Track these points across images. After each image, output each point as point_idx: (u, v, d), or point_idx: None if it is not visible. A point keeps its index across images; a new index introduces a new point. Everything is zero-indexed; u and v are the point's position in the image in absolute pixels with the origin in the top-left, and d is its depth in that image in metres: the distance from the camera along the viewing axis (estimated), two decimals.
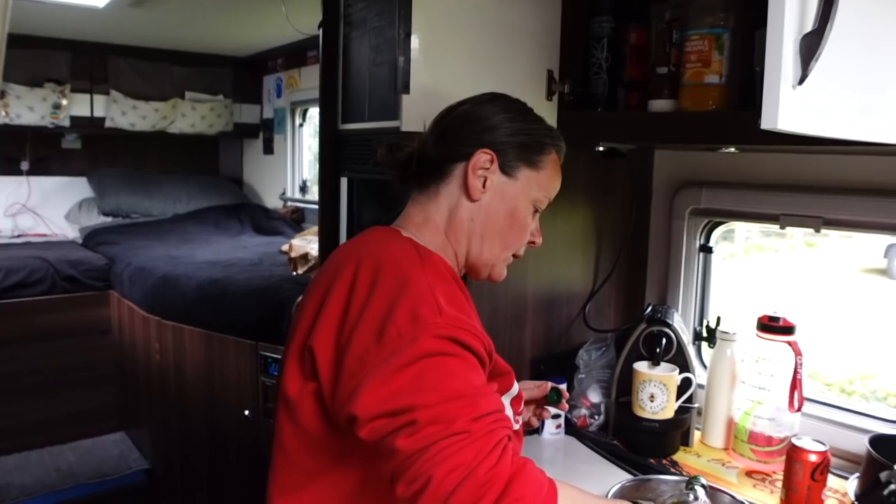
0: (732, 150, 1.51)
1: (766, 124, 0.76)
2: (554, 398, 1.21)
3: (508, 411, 1.00)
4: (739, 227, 1.96)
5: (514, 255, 1.11)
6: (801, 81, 0.75)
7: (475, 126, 1.05)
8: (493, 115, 1.06)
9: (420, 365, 0.80)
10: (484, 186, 1.04)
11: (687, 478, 1.17)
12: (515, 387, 1.08)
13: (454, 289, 0.93)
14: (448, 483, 0.73)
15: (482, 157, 1.03)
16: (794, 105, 0.75)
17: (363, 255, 0.94)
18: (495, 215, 1.05)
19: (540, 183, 1.08)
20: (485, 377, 0.87)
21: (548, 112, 1.48)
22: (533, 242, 1.13)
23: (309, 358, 0.90)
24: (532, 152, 1.06)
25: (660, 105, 1.35)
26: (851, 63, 0.83)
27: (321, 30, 1.61)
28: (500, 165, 1.04)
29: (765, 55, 0.75)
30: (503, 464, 0.76)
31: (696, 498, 1.11)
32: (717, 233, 1.76)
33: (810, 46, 0.75)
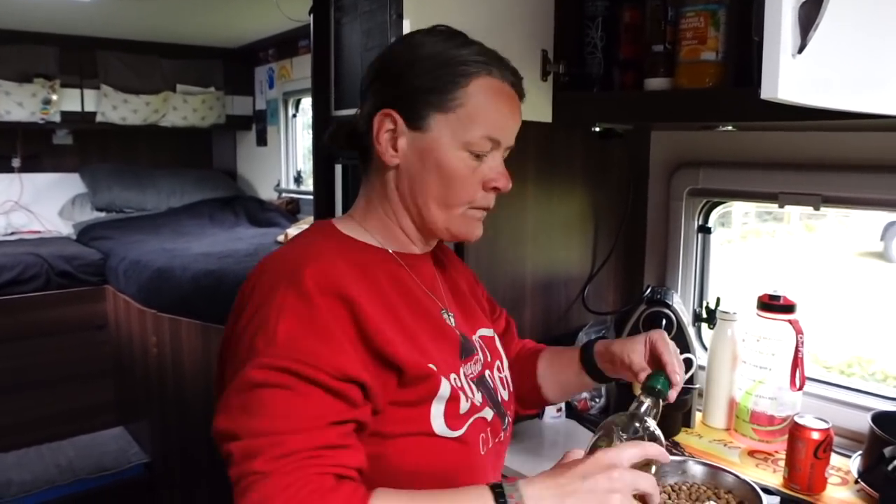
0: (730, 128, 1.50)
1: (766, 94, 0.74)
2: (658, 387, 0.97)
3: (438, 421, 0.90)
4: (736, 211, 1.95)
5: (479, 209, 0.99)
6: (800, 50, 0.74)
7: (381, 82, 0.97)
8: (401, 61, 0.96)
9: (245, 396, 0.79)
10: (396, 150, 0.95)
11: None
12: (445, 386, 0.92)
13: (316, 308, 0.83)
14: None
15: (380, 120, 0.94)
16: (793, 74, 0.74)
17: (260, 268, 0.92)
18: (418, 176, 0.95)
19: (464, 123, 0.93)
20: (335, 404, 0.80)
21: (543, 93, 1.47)
22: (496, 188, 0.98)
23: None
24: (444, 92, 0.92)
25: (656, 83, 1.33)
26: (852, 33, 0.81)
27: (312, 16, 1.59)
28: (406, 120, 0.94)
29: (763, 24, 0.74)
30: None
31: (643, 411, 0.94)
32: (716, 214, 1.75)
33: (809, 14, 0.73)
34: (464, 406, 0.94)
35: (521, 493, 0.76)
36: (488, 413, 0.99)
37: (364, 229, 1.00)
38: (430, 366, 0.91)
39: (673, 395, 1.00)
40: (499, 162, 0.98)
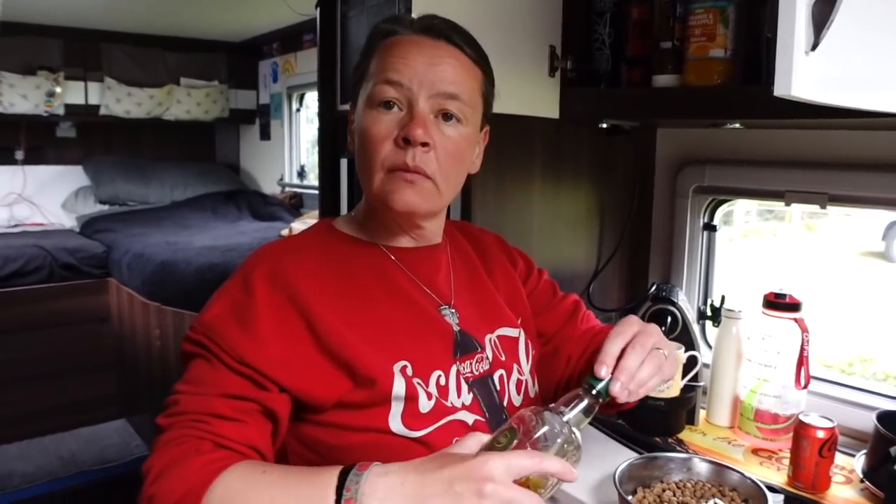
0: (737, 125, 1.49)
1: (778, 91, 0.74)
2: (595, 385, 0.84)
3: (395, 421, 0.88)
4: (738, 210, 1.94)
5: (397, 169, 0.91)
6: (813, 47, 0.73)
7: None
8: None
9: (183, 365, 0.89)
10: (352, 136, 1.00)
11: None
12: (399, 385, 0.88)
13: (253, 298, 0.87)
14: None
15: (348, 115, 1.02)
16: (806, 72, 0.74)
17: (243, 263, 0.96)
18: (356, 151, 0.98)
19: (368, 83, 0.95)
20: (237, 381, 0.83)
21: (550, 89, 1.46)
22: (406, 140, 0.89)
23: None
24: (361, 68, 0.98)
25: (664, 80, 1.33)
26: (864, 30, 0.81)
27: (318, 10, 1.59)
28: (351, 108, 1.00)
29: (777, 21, 0.74)
30: (161, 458, 0.77)
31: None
32: (721, 211, 1.74)
33: (823, 12, 0.73)
34: (424, 406, 0.90)
35: (359, 489, 0.70)
36: (468, 417, 0.94)
37: (359, 226, 1.02)
38: (396, 365, 0.89)
39: (621, 395, 0.84)
40: (419, 109, 0.91)
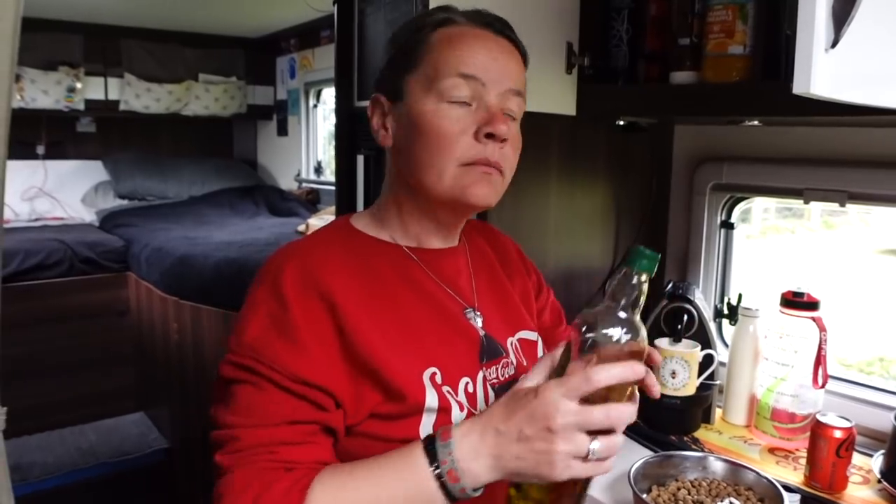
0: (755, 122, 1.48)
1: (798, 89, 0.73)
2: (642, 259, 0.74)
3: (426, 431, 0.84)
4: (756, 208, 1.93)
5: (477, 164, 0.89)
6: (834, 45, 0.73)
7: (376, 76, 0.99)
8: (384, 50, 0.98)
9: (221, 389, 0.84)
10: (388, 130, 0.95)
11: None
12: (431, 398, 0.86)
13: (290, 309, 0.83)
14: None
15: (371, 107, 0.97)
16: (826, 69, 0.73)
17: (267, 260, 0.91)
18: (406, 147, 0.92)
19: (432, 72, 0.89)
20: (296, 404, 0.80)
21: (567, 86, 1.46)
22: (492, 135, 0.88)
23: None
24: (408, 53, 0.92)
25: (682, 77, 1.32)
26: (884, 27, 0.80)
27: (336, 6, 1.60)
28: (389, 99, 0.94)
29: (796, 17, 0.73)
30: (240, 498, 0.75)
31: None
32: (738, 209, 1.73)
33: (844, 9, 0.73)
34: (457, 418, 0.88)
35: (453, 457, 0.72)
36: None
37: (380, 225, 0.98)
38: (426, 373, 0.87)
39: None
40: (492, 104, 0.90)
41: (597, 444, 0.69)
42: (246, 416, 0.80)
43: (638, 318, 0.74)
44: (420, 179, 0.91)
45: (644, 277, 0.74)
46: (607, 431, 0.71)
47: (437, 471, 0.72)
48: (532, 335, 1.07)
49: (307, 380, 0.80)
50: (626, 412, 0.71)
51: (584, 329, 0.73)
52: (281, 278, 0.85)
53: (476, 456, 0.72)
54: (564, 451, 0.69)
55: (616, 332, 0.73)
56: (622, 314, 0.73)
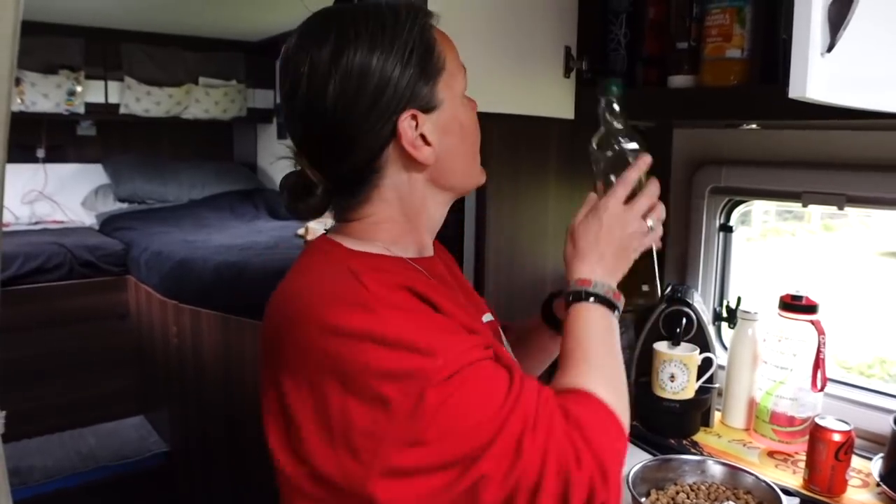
0: (754, 126, 1.48)
1: (794, 93, 0.73)
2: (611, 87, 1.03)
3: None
4: (756, 210, 1.93)
5: None
6: (829, 49, 0.73)
7: (361, 105, 0.82)
8: (374, 68, 0.82)
9: (432, 419, 0.76)
10: (428, 143, 0.86)
11: None
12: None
13: (397, 305, 0.79)
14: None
15: (403, 129, 0.84)
16: (822, 73, 0.73)
17: (283, 309, 0.85)
18: (448, 150, 0.89)
19: (453, 72, 0.88)
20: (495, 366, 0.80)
21: (565, 90, 1.46)
22: None
23: None
24: (428, 64, 0.85)
25: (680, 81, 1.32)
26: (880, 31, 0.80)
27: None
28: (423, 110, 0.85)
29: (792, 22, 0.73)
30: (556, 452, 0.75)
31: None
32: (737, 212, 1.73)
33: (839, 13, 0.73)
34: None
35: (607, 287, 0.93)
36: None
37: (369, 242, 0.89)
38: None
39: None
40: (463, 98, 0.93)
41: (651, 221, 0.98)
42: (493, 398, 0.75)
43: (628, 126, 1.03)
44: (463, 180, 0.96)
45: (615, 98, 1.02)
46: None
47: (612, 305, 0.93)
48: (490, 316, 1.08)
49: (476, 329, 0.85)
50: (653, 189, 0.99)
51: (596, 151, 1.03)
52: (367, 291, 0.77)
53: (611, 276, 0.94)
54: (639, 232, 0.96)
55: (620, 144, 1.02)
56: (618, 125, 1.03)
